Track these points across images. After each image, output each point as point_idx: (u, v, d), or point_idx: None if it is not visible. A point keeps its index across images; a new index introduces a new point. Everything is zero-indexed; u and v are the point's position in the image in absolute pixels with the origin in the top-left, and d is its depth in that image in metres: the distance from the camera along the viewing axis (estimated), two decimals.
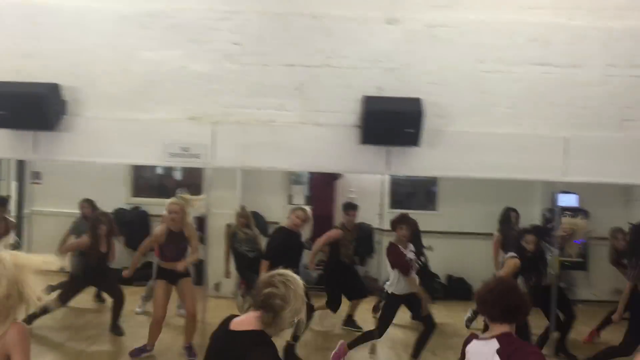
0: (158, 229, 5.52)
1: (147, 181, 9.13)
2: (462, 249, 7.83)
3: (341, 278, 6.43)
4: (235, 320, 2.53)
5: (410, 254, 5.39)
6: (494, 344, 2.70)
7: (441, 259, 7.45)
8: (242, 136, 4.76)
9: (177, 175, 9.24)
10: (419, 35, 4.67)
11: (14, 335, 2.26)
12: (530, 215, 7.74)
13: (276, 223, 7.98)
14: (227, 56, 4.75)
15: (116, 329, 5.95)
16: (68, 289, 5.85)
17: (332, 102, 4.75)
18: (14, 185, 8.32)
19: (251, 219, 6.99)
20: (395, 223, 5.40)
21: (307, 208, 6.07)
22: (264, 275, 2.62)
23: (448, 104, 4.67)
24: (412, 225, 5.57)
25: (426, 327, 5.35)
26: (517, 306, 2.76)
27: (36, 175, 7.11)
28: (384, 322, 5.33)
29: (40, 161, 6.34)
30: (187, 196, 5.43)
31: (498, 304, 2.76)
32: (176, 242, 5.38)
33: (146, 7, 4.73)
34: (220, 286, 7.07)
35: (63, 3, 4.73)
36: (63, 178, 7.72)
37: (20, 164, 7.92)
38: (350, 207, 6.68)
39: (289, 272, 2.57)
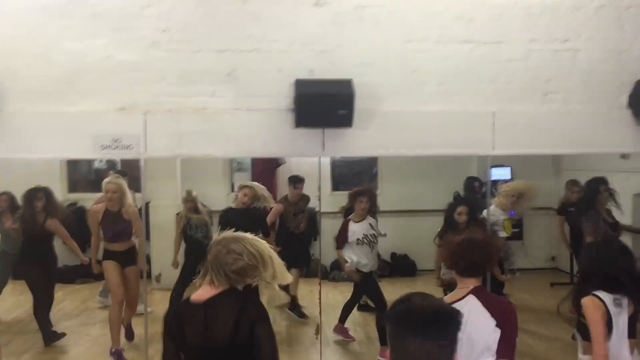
0: (94, 206, 5.46)
1: (84, 176, 8.91)
2: (404, 226, 8.00)
3: (287, 249, 6.50)
4: (196, 295, 2.63)
5: (360, 229, 5.47)
6: (473, 301, 2.79)
7: (385, 237, 7.55)
8: (175, 125, 4.68)
9: (117, 168, 9.04)
10: (347, 16, 4.69)
11: None
12: None
13: (219, 212, 7.97)
14: (154, 44, 4.64)
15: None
16: None
17: (264, 87, 4.72)
18: None
19: (198, 203, 6.86)
20: (355, 195, 5.54)
21: (255, 184, 6.05)
22: (217, 246, 2.68)
23: (379, 84, 4.72)
24: (372, 197, 5.75)
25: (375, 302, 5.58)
26: (485, 260, 2.84)
27: None
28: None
29: None
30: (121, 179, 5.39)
31: (466, 258, 2.86)
32: (114, 222, 5.34)
33: None
34: (161, 277, 7.00)
35: None
36: None
37: None
38: (297, 180, 6.76)
39: (243, 236, 2.71)
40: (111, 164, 8.79)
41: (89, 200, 8.17)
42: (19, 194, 7.24)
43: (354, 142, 4.74)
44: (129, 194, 5.58)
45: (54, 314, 6.30)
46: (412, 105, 4.77)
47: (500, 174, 6.97)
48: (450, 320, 1.83)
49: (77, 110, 4.60)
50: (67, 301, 6.92)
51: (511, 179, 6.92)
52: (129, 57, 4.62)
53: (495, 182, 6.17)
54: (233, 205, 5.95)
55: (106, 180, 5.60)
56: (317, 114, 4.53)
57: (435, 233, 5.65)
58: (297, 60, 4.71)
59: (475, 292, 2.82)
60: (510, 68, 4.78)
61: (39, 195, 5.99)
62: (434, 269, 5.66)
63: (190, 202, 6.71)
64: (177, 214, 6.76)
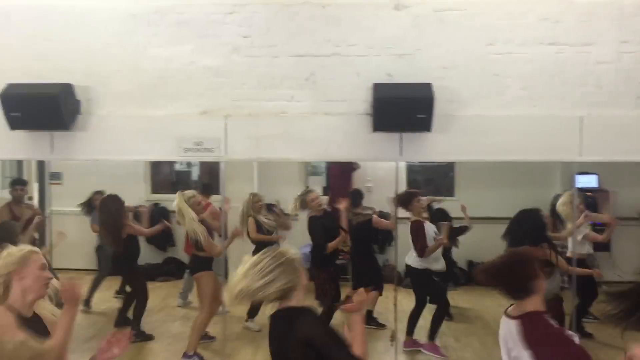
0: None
1: (165, 178, 9.23)
2: (481, 234, 7.76)
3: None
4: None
5: (431, 227, 5.53)
6: (515, 326, 2.62)
7: (461, 245, 7.39)
8: (254, 128, 4.77)
9: (195, 171, 9.35)
10: (427, 19, 4.63)
11: None
12: (550, 199, 7.65)
13: (295, 215, 8.06)
14: (236, 49, 4.75)
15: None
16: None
17: (342, 91, 4.73)
18: (35, 186, 8.48)
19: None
20: (411, 196, 5.64)
21: (310, 188, 6.09)
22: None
23: (459, 88, 4.63)
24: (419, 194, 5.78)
25: (438, 308, 5.43)
26: (523, 278, 2.62)
27: (56, 176, 7.21)
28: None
29: (59, 161, 6.41)
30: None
31: (503, 282, 2.68)
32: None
33: (154, 5, 4.75)
34: None
35: (73, 3, 4.78)
36: (82, 177, 7.85)
37: (40, 165, 8.06)
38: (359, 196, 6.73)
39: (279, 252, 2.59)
40: (186, 166, 9.10)
41: (170, 201, 8.48)
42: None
43: (432, 147, 4.67)
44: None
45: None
46: (493, 109, 4.64)
47: (586, 181, 6.65)
48: None
49: (162, 114, 4.78)
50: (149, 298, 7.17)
51: (598, 187, 6.59)
52: (211, 62, 4.75)
53: (581, 190, 5.90)
54: (315, 213, 5.99)
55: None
56: (395, 118, 4.49)
57: None
58: (375, 64, 4.69)
59: (526, 317, 2.63)
60: (599, 71, 4.56)
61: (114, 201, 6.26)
62: None
63: (257, 203, 6.72)
64: (248, 217, 6.72)
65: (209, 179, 8.89)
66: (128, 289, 6.74)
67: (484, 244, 7.70)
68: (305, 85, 4.75)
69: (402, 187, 7.61)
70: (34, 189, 8.48)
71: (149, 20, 4.74)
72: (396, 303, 5.75)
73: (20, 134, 4.70)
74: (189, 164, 9.22)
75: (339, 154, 4.87)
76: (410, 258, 5.80)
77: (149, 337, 5.94)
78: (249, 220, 6.51)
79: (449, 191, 8.19)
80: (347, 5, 4.70)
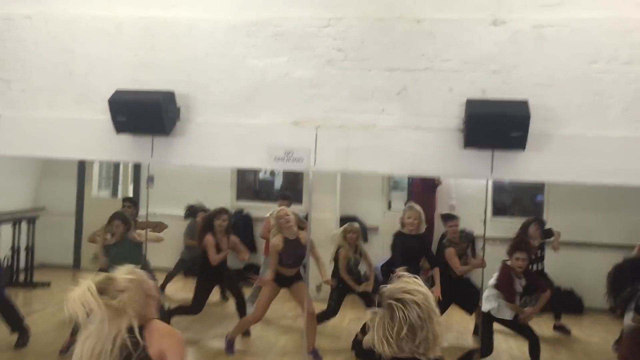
0: (275, 239, 5.56)
1: (249, 186, 9.48)
2: (571, 259, 7.45)
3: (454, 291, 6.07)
4: None
5: (519, 286, 5.26)
6: None
7: (549, 270, 7.12)
8: (344, 140, 4.82)
9: (278, 181, 9.54)
10: (526, 36, 4.53)
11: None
12: None
13: (375, 229, 8.04)
14: (329, 62, 4.84)
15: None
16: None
17: (434, 106, 4.70)
18: (130, 188, 8.95)
19: (360, 236, 6.33)
20: (512, 250, 5.28)
21: (415, 205, 5.72)
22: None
23: (557, 107, 4.49)
24: (529, 252, 5.39)
25: (530, 341, 5.20)
26: None
27: (150, 179, 7.56)
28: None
29: (153, 165, 6.71)
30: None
31: None
32: (295, 249, 5.54)
33: (253, 17, 4.92)
34: (322, 288, 7.13)
35: (177, 15, 5.02)
36: (172, 182, 8.19)
37: (137, 168, 8.50)
38: (450, 218, 6.49)
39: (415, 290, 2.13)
40: (269, 174, 9.30)
41: (253, 208, 8.71)
42: (194, 199, 7.95)
43: (525, 166, 4.54)
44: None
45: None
46: (593, 130, 4.46)
47: None
48: None
49: (255, 123, 4.93)
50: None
51: None
52: (305, 74, 4.86)
53: None
54: (404, 230, 5.73)
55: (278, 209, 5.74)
56: (488, 135, 4.41)
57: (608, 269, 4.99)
58: (469, 80, 4.64)
59: None
60: None
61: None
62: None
63: (353, 234, 6.15)
64: (339, 248, 6.17)
65: (291, 189, 9.06)
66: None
67: (574, 270, 7.42)
68: (396, 99, 4.76)
69: (489, 207, 7.45)
70: (129, 191, 8.95)
71: (248, 31, 4.91)
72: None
73: (124, 137, 4.97)
74: (272, 173, 9.43)
75: (427, 169, 4.83)
76: None
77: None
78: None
79: (536, 213, 7.91)
80: (442, 20, 4.68)
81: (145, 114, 4.73)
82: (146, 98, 4.76)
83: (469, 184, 7.48)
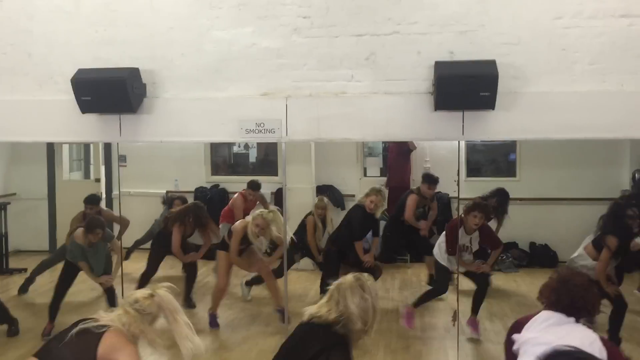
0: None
1: (224, 160, 9.42)
2: (544, 215, 7.60)
3: (403, 239, 6.84)
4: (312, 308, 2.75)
5: (462, 240, 5.55)
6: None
7: (523, 226, 7.25)
8: (315, 109, 4.78)
9: (252, 153, 9.49)
10: None
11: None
12: (619, 179, 7.41)
13: (352, 196, 8.08)
14: (296, 30, 4.76)
15: (189, 301, 6.28)
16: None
17: (403, 70, 4.68)
18: (102, 169, 8.82)
19: (328, 211, 6.89)
20: (468, 210, 5.52)
21: (383, 188, 6.22)
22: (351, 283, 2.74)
23: (525, 65, 4.50)
24: (487, 213, 5.67)
25: (478, 287, 5.59)
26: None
27: (122, 159, 7.47)
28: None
29: (125, 144, 6.62)
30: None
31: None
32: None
33: None
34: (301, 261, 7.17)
35: None
36: (145, 160, 8.11)
37: (108, 148, 8.37)
38: (432, 181, 6.69)
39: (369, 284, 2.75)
40: (244, 147, 9.26)
41: (228, 182, 8.68)
42: (171, 176, 7.91)
43: (496, 125, 4.57)
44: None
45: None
46: (561, 85, 4.49)
47: None
48: None
49: (224, 96, 4.86)
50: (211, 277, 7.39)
51: None
52: (272, 44, 4.78)
53: None
54: (364, 207, 6.12)
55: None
56: (457, 96, 4.41)
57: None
58: (437, 42, 4.61)
59: None
60: None
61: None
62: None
63: (321, 210, 6.73)
64: (309, 215, 6.75)
65: (266, 161, 9.05)
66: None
67: (548, 225, 7.56)
68: (365, 65, 4.72)
69: (463, 168, 7.54)
70: (101, 172, 8.83)
71: (210, 3, 4.80)
72: (458, 284, 5.72)
73: (90, 117, 4.87)
74: (246, 146, 9.37)
75: (399, 133, 4.84)
76: None
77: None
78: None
79: (510, 172, 8.02)
80: None
81: (110, 92, 4.63)
82: (110, 76, 4.65)
83: (443, 145, 7.53)
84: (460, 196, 5.53)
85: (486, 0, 4.52)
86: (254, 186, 7.45)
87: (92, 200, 6.69)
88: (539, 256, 7.63)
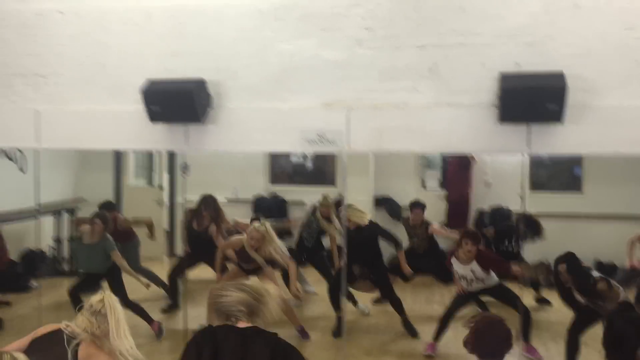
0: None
1: (282, 170, 9.52)
2: (611, 232, 7.30)
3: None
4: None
5: (462, 271, 5.56)
6: None
7: (588, 243, 6.99)
8: (375, 120, 4.79)
9: (309, 164, 9.56)
10: (559, 4, 4.40)
11: None
12: None
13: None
14: (358, 42, 4.79)
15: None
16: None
17: (466, 82, 4.63)
18: (165, 177, 9.08)
19: (333, 212, 6.82)
20: (461, 237, 5.55)
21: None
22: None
23: (594, 77, 4.36)
24: (477, 239, 5.62)
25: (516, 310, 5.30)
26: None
27: (184, 167, 7.65)
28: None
29: (188, 153, 6.78)
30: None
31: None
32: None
33: (280, 0, 4.89)
34: None
35: (204, 2, 5.03)
36: (206, 169, 8.28)
37: (171, 157, 8.61)
38: (416, 206, 6.94)
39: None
40: (302, 158, 9.35)
41: (288, 192, 8.77)
42: (231, 184, 8.06)
43: (563, 139, 4.44)
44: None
45: None
46: (633, 99, 4.33)
47: None
48: None
49: (286, 107, 4.92)
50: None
51: None
52: (334, 55, 4.82)
53: None
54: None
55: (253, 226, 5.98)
56: (523, 108, 4.32)
57: None
58: (502, 53, 4.54)
59: None
60: None
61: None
62: None
63: (325, 208, 6.71)
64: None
65: (321, 171, 9.12)
66: None
67: (616, 243, 7.25)
68: (427, 77, 4.70)
69: (526, 182, 7.34)
70: (164, 180, 9.09)
71: (275, 15, 4.89)
72: None
73: (158, 126, 5.03)
74: (304, 157, 9.45)
75: (462, 146, 4.77)
76: None
77: None
78: None
79: (575, 186, 7.76)
80: None
81: (177, 102, 4.78)
82: (178, 86, 4.80)
83: (505, 159, 7.36)
84: (525, 211, 5.38)
85: (554, 11, 4.42)
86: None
87: (107, 206, 6.97)
88: (607, 274, 7.31)
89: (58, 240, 7.97)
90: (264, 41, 4.93)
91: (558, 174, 8.46)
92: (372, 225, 6.21)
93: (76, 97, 5.26)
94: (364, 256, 5.95)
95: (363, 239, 5.96)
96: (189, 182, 7.69)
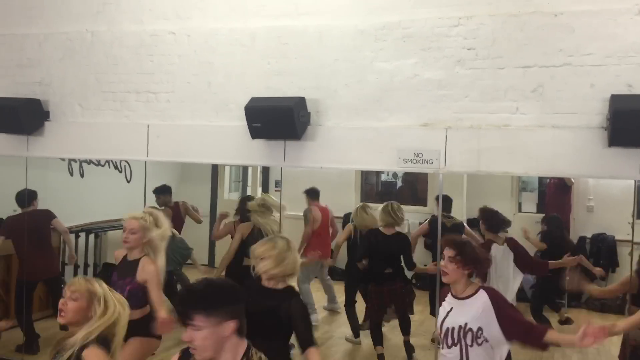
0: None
1: (372, 187, 9.53)
2: None
3: None
4: None
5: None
6: None
7: None
8: (475, 141, 4.71)
9: (399, 182, 9.51)
10: None
11: None
12: None
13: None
14: (459, 62, 4.75)
15: None
16: None
17: (573, 103, 4.46)
18: (259, 191, 9.33)
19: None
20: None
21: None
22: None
23: None
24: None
25: None
26: None
27: (277, 183, 7.84)
28: None
29: (282, 169, 6.94)
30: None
31: None
32: None
33: (381, 21, 4.94)
34: None
35: (307, 23, 5.16)
36: (297, 185, 8.44)
37: (265, 172, 8.85)
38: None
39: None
40: (391, 176, 9.32)
41: (376, 209, 8.74)
42: (322, 201, 8.14)
43: None
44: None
45: None
46: None
47: None
48: None
49: (384, 125, 4.94)
50: None
51: None
52: (434, 75, 4.80)
53: None
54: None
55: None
56: (636, 132, 4.11)
57: None
58: (613, 74, 4.35)
59: None
60: None
61: None
62: None
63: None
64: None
65: (411, 189, 9.04)
66: None
67: None
68: (531, 97, 4.57)
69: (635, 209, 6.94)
70: (257, 193, 9.35)
71: (376, 35, 4.94)
72: None
73: (259, 142, 5.19)
74: (394, 175, 9.42)
75: (567, 169, 4.60)
76: None
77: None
78: None
79: None
80: (582, 13, 4.43)
81: (278, 119, 4.92)
82: (279, 104, 4.94)
83: (610, 183, 7.00)
84: (635, 239, 5.09)
85: None
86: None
87: (160, 190, 7.67)
88: None
89: None
90: (364, 61, 4.99)
91: None
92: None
93: (183, 113, 5.54)
94: None
95: None
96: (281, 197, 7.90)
